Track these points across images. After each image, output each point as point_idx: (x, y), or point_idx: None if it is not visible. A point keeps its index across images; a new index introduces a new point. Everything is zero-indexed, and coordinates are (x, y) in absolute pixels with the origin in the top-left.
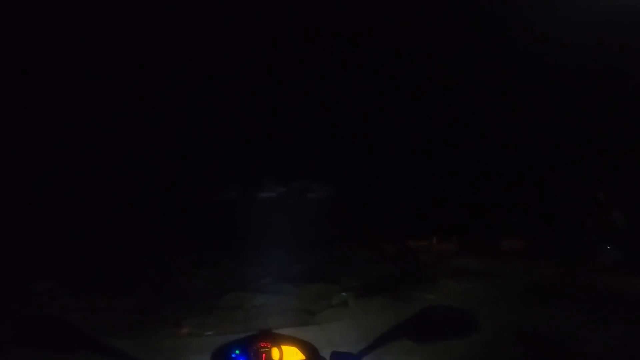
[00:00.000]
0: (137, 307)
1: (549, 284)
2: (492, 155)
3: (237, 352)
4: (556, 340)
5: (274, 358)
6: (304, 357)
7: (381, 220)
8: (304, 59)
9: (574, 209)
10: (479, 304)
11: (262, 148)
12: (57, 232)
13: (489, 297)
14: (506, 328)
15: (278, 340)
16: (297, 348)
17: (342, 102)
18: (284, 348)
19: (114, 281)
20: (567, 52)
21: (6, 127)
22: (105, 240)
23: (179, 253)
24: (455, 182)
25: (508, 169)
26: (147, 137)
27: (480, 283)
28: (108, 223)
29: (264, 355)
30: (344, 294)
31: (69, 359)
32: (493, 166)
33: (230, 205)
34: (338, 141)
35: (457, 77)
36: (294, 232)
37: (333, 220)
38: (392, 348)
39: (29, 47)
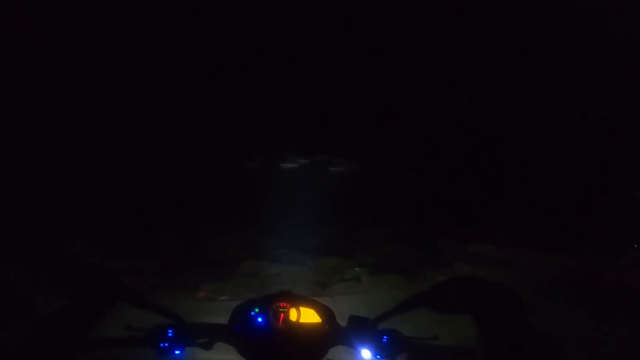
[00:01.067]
0: (160, 271)
1: (568, 278)
2: (524, 139)
3: (257, 310)
4: (566, 337)
5: (291, 318)
6: (320, 320)
7: (402, 200)
8: (334, 32)
9: (606, 203)
10: (492, 291)
11: (287, 119)
12: (86, 196)
13: (503, 284)
14: (514, 317)
15: (297, 301)
16: (315, 310)
17: (371, 77)
18: (302, 309)
19: (140, 244)
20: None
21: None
22: (132, 206)
23: (200, 220)
24: (482, 166)
25: (540, 155)
26: (173, 104)
27: (496, 270)
28: (134, 188)
29: (282, 315)
30: (357, 269)
31: (94, 317)
32: (525, 152)
33: (252, 175)
34: (365, 117)
35: (490, 57)
36: (313, 205)
37: (353, 195)
38: (406, 318)
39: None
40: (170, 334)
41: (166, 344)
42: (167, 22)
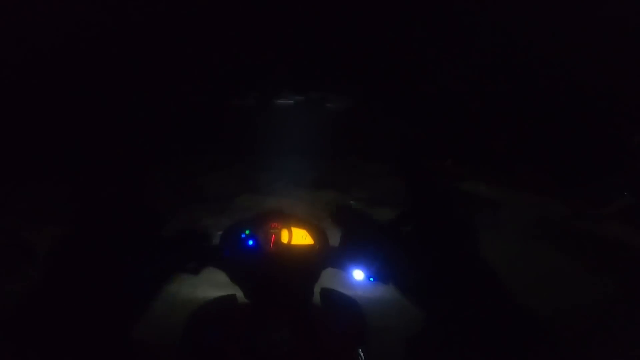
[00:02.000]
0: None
1: (555, 221)
2: (521, 78)
3: (247, 232)
4: (548, 281)
5: (283, 240)
6: (312, 242)
7: (398, 136)
8: None
9: (602, 147)
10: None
11: (282, 55)
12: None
13: (491, 225)
14: (500, 259)
15: (288, 221)
16: (307, 231)
17: (364, 11)
18: (294, 230)
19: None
20: None
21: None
22: (125, 143)
23: (194, 156)
24: (478, 105)
25: (537, 95)
26: (165, 43)
27: (485, 210)
28: (129, 124)
29: (273, 236)
30: (352, 202)
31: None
32: (521, 91)
33: (246, 112)
34: (360, 52)
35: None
36: (308, 141)
37: (349, 131)
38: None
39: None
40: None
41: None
42: None
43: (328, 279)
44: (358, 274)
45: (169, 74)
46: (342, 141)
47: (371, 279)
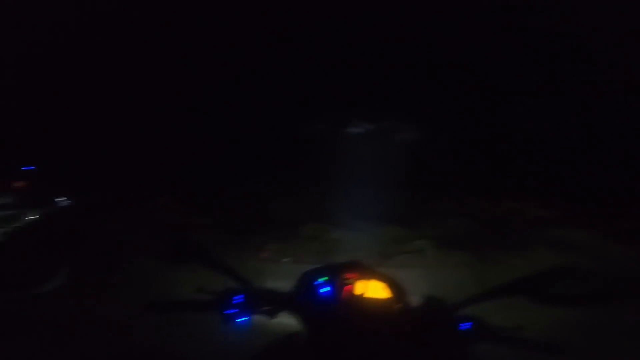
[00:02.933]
0: (228, 229)
1: None
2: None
3: (323, 279)
4: None
5: (357, 291)
6: (389, 295)
7: (472, 172)
8: None
9: None
10: (575, 283)
11: (355, 85)
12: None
13: (590, 276)
14: (597, 319)
15: (366, 273)
16: (385, 284)
17: (441, 44)
18: (371, 282)
19: (212, 204)
20: None
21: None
22: (208, 168)
23: (267, 182)
24: (568, 139)
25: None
26: (247, 72)
27: (584, 260)
28: (213, 153)
29: (348, 287)
30: (421, 241)
31: (170, 266)
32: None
33: (318, 139)
34: (434, 84)
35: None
36: (378, 172)
37: (420, 164)
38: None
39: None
40: (238, 300)
41: (233, 311)
42: None
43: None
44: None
45: (244, 101)
46: (412, 174)
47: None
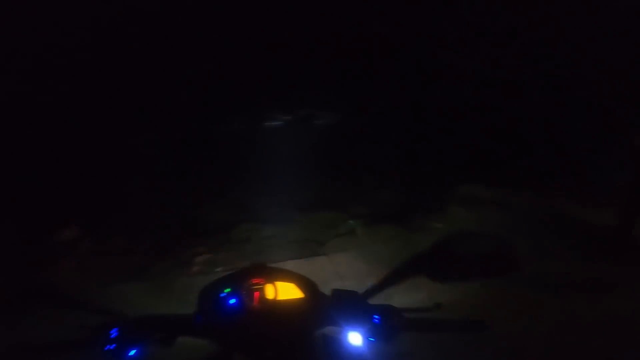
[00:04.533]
0: (151, 248)
1: (557, 218)
2: (517, 80)
3: (227, 290)
4: (559, 278)
5: (268, 296)
6: (302, 294)
7: (388, 147)
8: None
9: (602, 146)
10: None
11: (266, 77)
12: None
13: (500, 226)
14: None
15: (272, 275)
16: (295, 284)
17: (346, 23)
18: (280, 284)
19: (130, 223)
20: None
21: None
22: (117, 180)
23: (187, 187)
24: (465, 105)
25: (533, 97)
26: (153, 71)
27: (490, 211)
28: (116, 164)
29: (257, 293)
30: (351, 221)
31: (82, 306)
32: (518, 93)
33: (236, 137)
34: (342, 65)
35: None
36: (300, 160)
37: (339, 147)
38: (399, 285)
39: None
40: (113, 335)
41: (112, 346)
42: None
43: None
44: (355, 338)
45: (160, 103)
46: (334, 157)
47: (371, 339)
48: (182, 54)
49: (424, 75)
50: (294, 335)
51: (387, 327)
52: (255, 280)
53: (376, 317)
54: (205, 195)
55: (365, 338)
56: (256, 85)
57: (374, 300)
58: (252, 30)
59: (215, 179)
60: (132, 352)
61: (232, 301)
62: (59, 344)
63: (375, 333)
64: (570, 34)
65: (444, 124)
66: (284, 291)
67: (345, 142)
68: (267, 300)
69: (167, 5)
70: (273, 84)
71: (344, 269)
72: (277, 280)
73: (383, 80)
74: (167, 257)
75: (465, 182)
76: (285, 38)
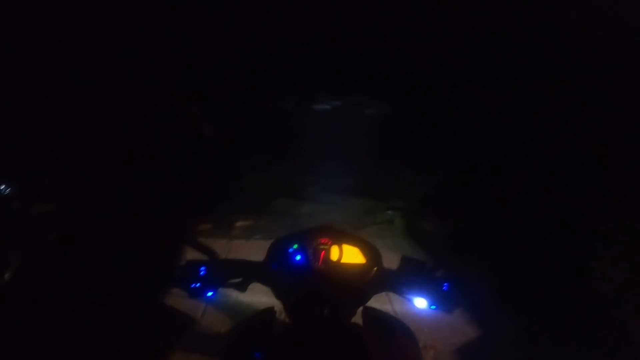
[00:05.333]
0: (196, 210)
1: None
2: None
3: (295, 246)
4: None
5: (332, 257)
6: (365, 260)
7: (437, 144)
8: None
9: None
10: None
11: (320, 60)
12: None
13: None
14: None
15: (340, 237)
16: (360, 249)
17: (404, 20)
18: (345, 247)
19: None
20: None
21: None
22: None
23: (234, 158)
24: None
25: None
26: (211, 50)
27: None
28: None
29: (322, 252)
30: (390, 212)
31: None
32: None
33: (285, 115)
34: (400, 60)
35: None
36: (346, 146)
37: (387, 138)
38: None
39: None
40: (202, 273)
41: (198, 284)
42: None
43: (380, 304)
44: (420, 302)
45: (212, 77)
46: (379, 148)
47: (433, 307)
48: (240, 32)
49: (487, 73)
50: (351, 298)
51: (454, 296)
52: (322, 240)
53: (446, 284)
54: (250, 167)
55: (429, 304)
56: (310, 69)
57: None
58: (311, 17)
59: (260, 152)
60: (210, 294)
61: (298, 257)
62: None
63: (442, 301)
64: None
65: (503, 126)
66: (348, 254)
67: (393, 134)
68: (331, 261)
69: None
70: (327, 68)
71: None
72: (343, 243)
73: (440, 78)
74: (208, 219)
75: (510, 191)
76: (343, 27)
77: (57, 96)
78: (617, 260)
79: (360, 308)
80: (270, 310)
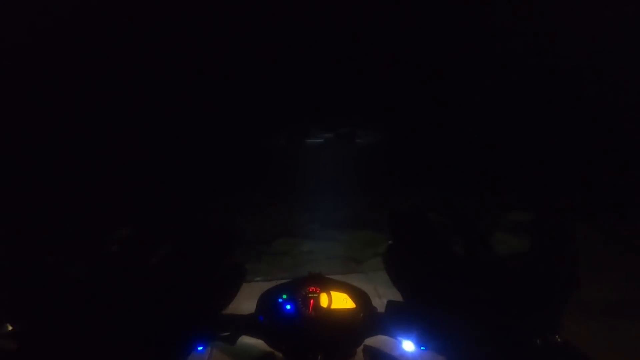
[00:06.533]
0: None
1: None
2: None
3: (285, 296)
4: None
5: (322, 304)
6: (354, 305)
7: (431, 168)
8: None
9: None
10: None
11: (309, 94)
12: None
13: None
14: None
15: (328, 284)
16: (348, 295)
17: (390, 47)
18: (334, 294)
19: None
20: None
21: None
22: (163, 188)
23: (230, 199)
24: (517, 131)
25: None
26: (198, 85)
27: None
28: (164, 171)
29: (312, 300)
30: (391, 242)
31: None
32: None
33: (278, 151)
34: (387, 87)
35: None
36: (341, 178)
37: (381, 166)
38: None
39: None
40: (189, 330)
41: (185, 341)
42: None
43: (373, 346)
44: (407, 345)
45: (203, 116)
46: (375, 176)
47: (423, 348)
48: (228, 70)
49: (471, 99)
50: (343, 342)
51: (443, 336)
52: (311, 289)
53: (432, 325)
54: (246, 206)
55: (418, 347)
56: (299, 102)
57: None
58: (299, 50)
59: (256, 191)
60: (200, 348)
61: (289, 307)
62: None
63: (428, 342)
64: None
65: (491, 148)
66: (337, 301)
67: (387, 162)
68: (321, 308)
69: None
70: (316, 101)
71: (383, 288)
72: (331, 290)
73: (427, 103)
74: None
75: (514, 208)
76: (331, 58)
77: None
78: None
79: (361, 347)
80: (271, 355)
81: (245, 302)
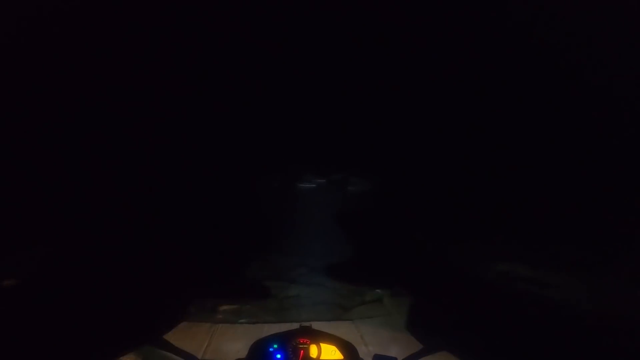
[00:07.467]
0: (180, 292)
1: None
2: (543, 155)
3: (275, 346)
4: None
5: (312, 355)
6: (342, 357)
7: (421, 217)
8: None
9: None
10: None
11: (304, 141)
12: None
13: (538, 305)
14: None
15: (317, 337)
16: (336, 347)
17: (385, 97)
18: (323, 346)
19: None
20: None
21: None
22: (156, 232)
23: (218, 241)
24: (509, 181)
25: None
26: (190, 130)
27: (530, 290)
28: (157, 216)
29: (302, 351)
30: (378, 290)
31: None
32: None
33: (270, 196)
34: (381, 136)
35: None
36: (331, 224)
37: (371, 214)
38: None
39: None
40: None
41: None
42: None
43: None
44: None
45: (192, 159)
46: (364, 224)
47: None
48: (225, 110)
49: (466, 145)
50: None
51: None
52: (302, 340)
53: None
54: (235, 249)
55: None
56: (294, 147)
57: None
58: (294, 94)
59: (246, 234)
60: None
61: (279, 356)
62: None
63: None
64: None
65: (484, 197)
66: (326, 352)
67: (377, 210)
68: (311, 358)
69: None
70: (311, 147)
71: (369, 336)
72: (321, 342)
73: (420, 151)
74: (193, 303)
75: (503, 259)
76: (326, 102)
77: None
78: None
79: None
80: None
81: (228, 344)
